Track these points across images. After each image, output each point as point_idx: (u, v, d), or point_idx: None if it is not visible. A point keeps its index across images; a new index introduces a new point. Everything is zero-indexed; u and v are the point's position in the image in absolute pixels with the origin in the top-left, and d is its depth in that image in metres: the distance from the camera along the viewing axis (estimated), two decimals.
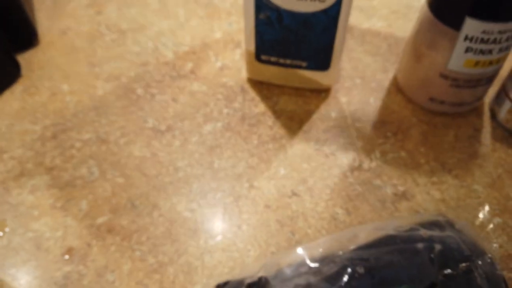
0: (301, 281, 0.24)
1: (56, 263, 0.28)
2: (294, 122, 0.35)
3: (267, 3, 0.31)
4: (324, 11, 0.31)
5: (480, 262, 0.26)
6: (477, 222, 0.30)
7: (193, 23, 0.43)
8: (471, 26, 0.28)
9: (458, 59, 0.31)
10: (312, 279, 0.24)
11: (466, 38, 0.29)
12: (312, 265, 0.25)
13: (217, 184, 0.31)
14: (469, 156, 0.33)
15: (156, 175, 0.32)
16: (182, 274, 0.27)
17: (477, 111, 0.36)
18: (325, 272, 0.24)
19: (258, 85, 0.38)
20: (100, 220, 0.30)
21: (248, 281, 0.25)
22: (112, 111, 0.36)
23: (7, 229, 0.29)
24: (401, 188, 0.31)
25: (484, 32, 0.28)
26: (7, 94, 0.37)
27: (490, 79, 0.33)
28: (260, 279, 0.25)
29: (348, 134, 0.34)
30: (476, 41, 0.29)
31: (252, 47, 0.35)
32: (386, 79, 0.38)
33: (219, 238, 0.29)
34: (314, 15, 0.31)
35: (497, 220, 0.30)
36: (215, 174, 0.32)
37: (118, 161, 0.33)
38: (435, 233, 0.26)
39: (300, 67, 0.35)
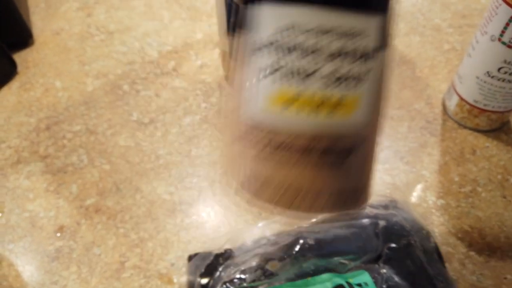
0: (261, 250, 0.28)
1: (49, 239, 0.31)
2: None
3: (236, 7, 0.34)
4: None
5: (418, 236, 0.29)
6: (422, 203, 0.33)
7: (176, 25, 0.46)
8: None
9: None
10: (270, 249, 0.28)
11: None
12: (271, 237, 0.29)
13: (194, 170, 0.35)
14: (419, 145, 0.37)
15: (139, 162, 0.35)
16: (160, 248, 0.31)
17: (431, 105, 0.40)
18: (281, 243, 0.28)
19: None
20: (88, 201, 0.33)
21: (216, 252, 0.29)
22: (100, 105, 0.39)
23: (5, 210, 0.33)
24: None
25: None
26: (5, 89, 0.40)
27: None
28: (225, 251, 0.29)
29: None
30: None
31: (226, 48, 0.38)
32: None
33: (194, 217, 0.33)
34: None
35: (440, 201, 0.34)
36: (192, 161, 0.36)
37: (105, 150, 0.36)
38: (380, 211, 0.30)
39: None
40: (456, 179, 0.35)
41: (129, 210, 0.33)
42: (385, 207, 0.31)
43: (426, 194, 0.34)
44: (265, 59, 0.16)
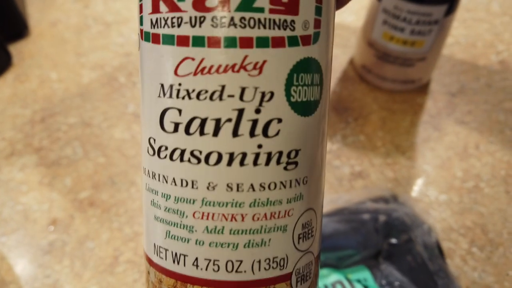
0: None
1: (42, 232, 0.31)
2: None
3: None
4: None
5: (419, 232, 0.29)
6: (424, 198, 0.33)
7: None
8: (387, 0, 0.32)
9: (378, 30, 0.34)
10: None
11: (383, 10, 0.33)
12: None
13: None
14: (422, 140, 0.36)
15: (134, 155, 0.35)
16: None
17: (434, 99, 0.39)
18: None
19: None
20: (83, 195, 0.33)
21: None
22: (96, 98, 0.39)
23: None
24: (357, 168, 0.34)
25: (396, 7, 0.32)
26: (0, 81, 0.40)
27: (411, 63, 0.36)
28: None
29: None
30: (389, 15, 0.33)
31: None
32: (352, 69, 0.41)
33: None
34: None
35: (442, 197, 0.33)
36: None
37: (100, 143, 0.35)
38: (381, 206, 0.30)
39: None
40: (459, 174, 0.34)
41: (124, 203, 0.32)
42: (386, 201, 0.30)
43: (428, 189, 0.33)
44: None
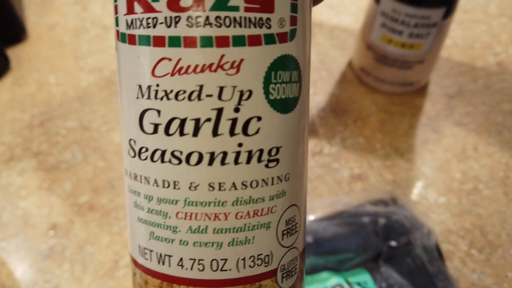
0: None
1: (42, 237, 0.31)
2: None
3: None
4: None
5: (418, 234, 0.29)
6: (423, 201, 0.33)
7: None
8: (386, 3, 0.32)
9: (377, 32, 0.35)
10: None
11: (382, 13, 0.33)
12: None
13: None
14: (421, 142, 0.36)
15: None
16: None
17: (432, 101, 0.39)
18: None
19: None
20: (82, 199, 0.33)
21: None
22: (95, 101, 0.39)
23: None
24: (356, 171, 0.34)
25: (394, 10, 0.32)
26: None
27: (409, 65, 0.36)
28: None
29: (311, 122, 0.38)
30: (387, 18, 0.33)
31: None
32: (350, 72, 0.41)
33: None
34: None
35: (441, 199, 0.33)
36: None
37: (99, 147, 0.35)
38: (380, 208, 0.30)
39: None
40: (458, 176, 0.34)
41: (124, 207, 0.32)
42: (385, 204, 0.30)
43: (427, 192, 0.33)
44: None
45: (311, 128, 0.37)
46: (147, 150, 0.13)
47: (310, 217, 0.29)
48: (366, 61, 0.37)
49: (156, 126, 0.12)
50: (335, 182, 0.34)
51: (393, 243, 0.29)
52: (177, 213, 0.12)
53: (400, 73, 0.36)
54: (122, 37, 0.13)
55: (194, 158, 0.12)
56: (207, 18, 0.11)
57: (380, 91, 0.39)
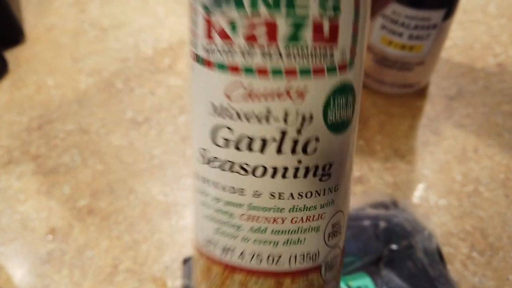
0: None
1: (40, 241, 0.31)
2: None
3: None
4: None
5: (419, 237, 0.29)
6: (424, 203, 0.33)
7: (172, 21, 0.45)
8: None
9: (377, 34, 0.34)
10: None
11: (381, 15, 0.33)
12: None
13: (189, 170, 0.34)
14: (421, 144, 0.36)
15: (133, 162, 0.35)
16: (154, 251, 0.30)
17: (432, 103, 0.39)
18: None
19: None
20: (81, 203, 0.32)
21: None
22: (93, 104, 0.38)
23: None
24: (357, 173, 0.34)
25: (394, 12, 0.32)
26: None
27: (409, 67, 0.36)
28: None
29: None
30: (387, 19, 0.33)
31: None
32: None
33: (189, 219, 0.32)
34: None
35: (442, 201, 0.33)
36: (188, 161, 0.35)
37: (98, 150, 0.35)
38: (381, 212, 0.29)
39: None
40: (458, 178, 0.34)
41: (123, 211, 0.32)
42: (386, 207, 0.30)
43: (427, 194, 0.33)
44: None
45: None
46: (217, 159, 0.15)
47: None
48: (366, 63, 0.37)
49: (227, 141, 0.14)
50: None
51: (394, 247, 0.28)
52: (242, 215, 0.15)
53: (400, 75, 0.36)
54: (199, 60, 0.14)
55: (259, 171, 0.14)
56: (279, 52, 0.13)
57: (380, 92, 0.39)
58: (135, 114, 0.38)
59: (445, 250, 0.30)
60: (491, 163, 0.35)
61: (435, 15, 0.31)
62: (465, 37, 0.44)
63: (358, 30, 0.14)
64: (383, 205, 0.30)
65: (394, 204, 0.30)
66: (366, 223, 0.29)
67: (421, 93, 0.40)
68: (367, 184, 0.34)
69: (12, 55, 0.42)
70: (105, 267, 0.29)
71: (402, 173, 0.34)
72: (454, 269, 0.30)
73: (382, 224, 0.29)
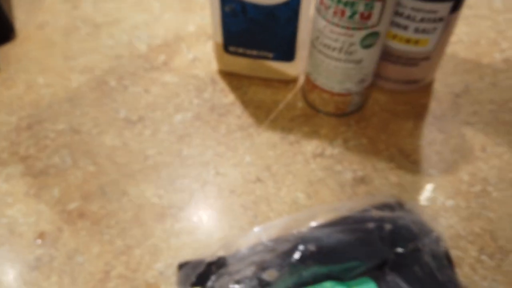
0: (257, 258, 0.26)
1: (28, 246, 0.29)
2: (261, 112, 0.37)
3: None
4: (286, 4, 0.32)
5: (427, 240, 0.27)
6: (431, 205, 0.31)
7: (168, 17, 0.44)
8: None
9: None
10: (267, 256, 0.26)
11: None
12: (268, 243, 0.26)
13: (185, 171, 0.33)
14: (427, 143, 0.35)
15: (126, 163, 0.33)
16: (148, 256, 0.29)
17: (438, 100, 0.38)
18: (279, 250, 0.26)
19: (228, 76, 0.39)
20: (72, 206, 0.31)
21: (208, 260, 0.26)
22: (85, 103, 0.37)
23: None
24: (360, 173, 0.33)
25: (399, 4, 0.31)
26: None
27: (415, 62, 0.34)
28: (218, 258, 0.27)
29: (313, 123, 0.36)
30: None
31: (219, 39, 0.36)
32: None
33: (185, 222, 0.30)
34: (276, 7, 0.32)
35: (449, 202, 0.31)
36: (184, 162, 0.33)
37: (90, 150, 0.34)
38: (386, 213, 0.28)
39: (266, 58, 0.36)
40: (466, 178, 0.33)
41: (115, 214, 0.30)
42: (391, 209, 0.28)
43: (434, 195, 0.32)
44: None
45: (312, 129, 0.35)
46: None
47: (312, 224, 0.27)
48: None
49: None
50: (338, 186, 0.32)
51: (400, 250, 0.27)
52: None
53: (404, 70, 0.35)
54: None
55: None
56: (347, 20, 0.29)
57: (383, 89, 0.38)
58: (129, 113, 0.36)
59: (454, 253, 0.29)
60: (499, 162, 0.34)
61: (442, 8, 0.30)
62: (470, 33, 0.43)
63: (384, 13, 0.26)
64: (388, 207, 0.29)
65: (400, 205, 0.29)
66: (371, 225, 0.27)
67: (426, 90, 0.38)
68: (371, 185, 0.32)
69: (2, 53, 0.40)
70: (96, 273, 0.28)
71: (408, 173, 0.33)
72: (463, 273, 0.28)
73: (388, 226, 0.27)
